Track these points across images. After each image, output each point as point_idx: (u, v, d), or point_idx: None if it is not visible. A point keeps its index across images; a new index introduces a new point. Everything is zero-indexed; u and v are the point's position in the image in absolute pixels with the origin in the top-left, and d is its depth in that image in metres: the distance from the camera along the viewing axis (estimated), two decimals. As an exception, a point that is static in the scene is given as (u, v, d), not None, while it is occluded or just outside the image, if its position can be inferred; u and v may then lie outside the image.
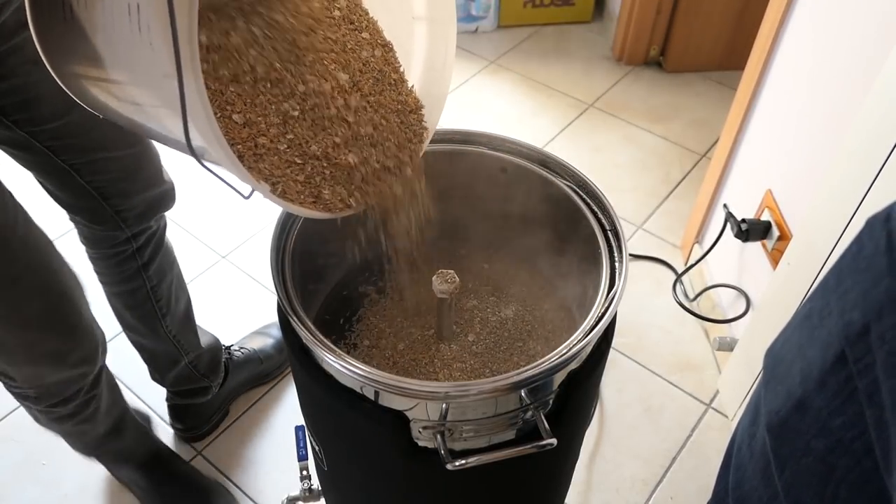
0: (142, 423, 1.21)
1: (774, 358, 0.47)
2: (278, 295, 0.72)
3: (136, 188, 0.98)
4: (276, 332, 1.48)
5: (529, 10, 2.38)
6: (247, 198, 0.64)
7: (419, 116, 0.77)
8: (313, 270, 0.86)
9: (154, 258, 1.09)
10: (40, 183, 0.96)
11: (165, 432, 1.36)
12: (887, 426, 0.35)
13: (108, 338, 1.51)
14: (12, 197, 0.82)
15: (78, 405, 0.99)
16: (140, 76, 0.56)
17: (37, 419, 1.00)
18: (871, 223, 0.39)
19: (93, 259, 1.08)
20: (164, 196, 1.04)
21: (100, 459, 1.17)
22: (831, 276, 0.42)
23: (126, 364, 1.47)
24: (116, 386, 1.11)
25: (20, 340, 0.88)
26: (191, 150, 0.55)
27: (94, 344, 0.97)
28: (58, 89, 0.82)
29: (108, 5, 0.53)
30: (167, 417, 1.36)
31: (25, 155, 0.90)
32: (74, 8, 0.56)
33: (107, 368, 1.07)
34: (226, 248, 1.73)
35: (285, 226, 0.80)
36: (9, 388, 0.96)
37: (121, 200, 0.98)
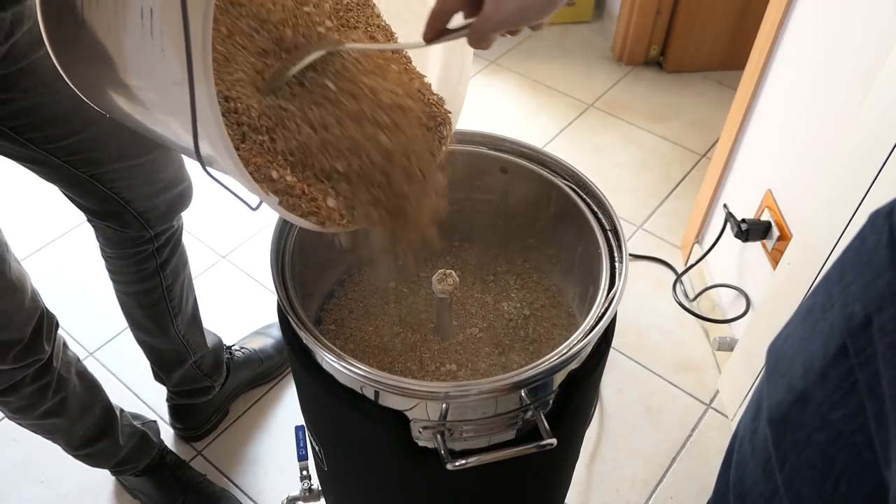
0: (140, 429, 1.20)
1: (777, 352, 0.47)
2: (278, 295, 0.72)
3: (158, 189, 0.99)
4: (276, 332, 1.48)
5: (529, 11, 2.38)
6: (254, 209, 0.63)
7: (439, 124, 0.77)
8: (313, 270, 0.86)
9: (171, 258, 1.10)
10: (63, 193, 0.96)
11: (165, 432, 1.36)
12: (887, 418, 0.35)
13: (107, 339, 1.53)
14: None
15: (32, 394, 0.95)
16: (150, 81, 0.55)
17: (3, 413, 0.98)
18: (874, 217, 0.39)
19: (110, 258, 1.08)
20: (184, 193, 1.04)
21: (97, 464, 1.17)
22: (834, 271, 0.42)
23: (126, 365, 1.48)
24: (96, 384, 1.09)
25: None
26: (199, 159, 0.54)
27: (39, 334, 0.92)
28: (73, 108, 0.81)
29: (121, 8, 0.52)
30: (167, 417, 1.36)
31: (44, 169, 0.90)
32: (85, 8, 0.55)
33: (80, 364, 1.05)
34: (226, 248, 1.73)
35: (285, 226, 0.80)
36: None
37: (144, 203, 0.98)
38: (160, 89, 0.54)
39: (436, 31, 0.62)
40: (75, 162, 0.88)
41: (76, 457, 1.12)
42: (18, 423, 1.01)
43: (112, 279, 1.11)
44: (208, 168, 0.56)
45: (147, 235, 1.03)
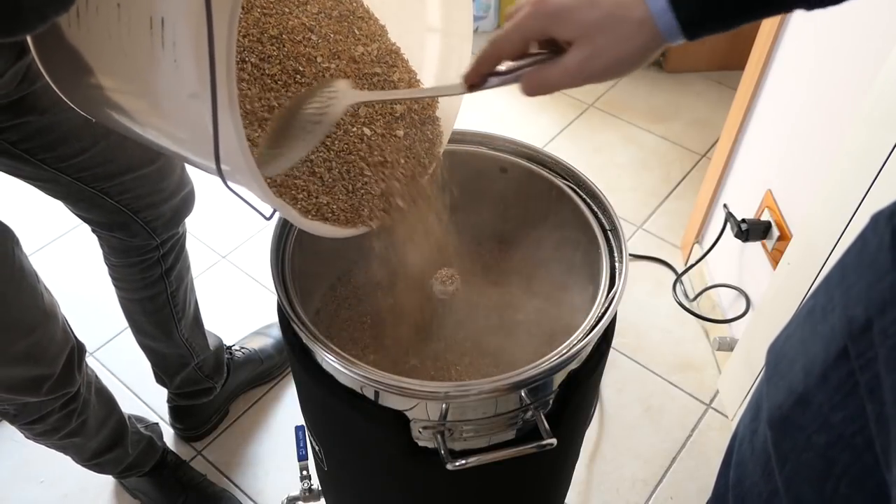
0: (146, 434, 1.20)
1: (777, 353, 0.47)
2: (278, 295, 0.72)
3: (164, 197, 0.99)
4: (276, 333, 1.48)
5: (529, 11, 2.38)
6: (268, 218, 0.63)
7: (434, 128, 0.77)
8: (313, 270, 0.86)
9: (176, 264, 1.10)
10: (69, 209, 0.96)
11: (165, 432, 1.36)
12: (888, 421, 0.35)
13: (107, 339, 1.53)
14: (13, 243, 0.81)
15: (58, 420, 0.97)
16: (159, 94, 0.53)
17: (24, 434, 0.99)
18: (876, 219, 0.39)
19: (114, 266, 1.07)
20: (188, 198, 1.04)
21: (103, 471, 1.17)
22: (835, 272, 0.42)
23: (126, 365, 1.48)
24: (111, 399, 1.09)
25: (1, 374, 0.86)
26: (220, 173, 0.52)
27: (71, 366, 0.94)
28: (83, 125, 0.81)
29: (125, 15, 0.49)
30: (167, 417, 1.36)
31: (53, 187, 0.90)
32: (81, 13, 0.53)
33: (98, 381, 1.06)
34: (226, 248, 1.73)
35: (285, 226, 0.79)
36: None
37: (150, 212, 0.98)
38: (172, 101, 0.52)
39: (481, 77, 0.53)
40: (85, 178, 0.89)
41: (85, 466, 1.12)
42: (31, 440, 1.01)
43: (116, 286, 1.11)
44: (227, 181, 0.55)
45: (153, 244, 1.03)
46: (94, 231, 1.03)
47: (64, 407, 0.96)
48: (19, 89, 0.75)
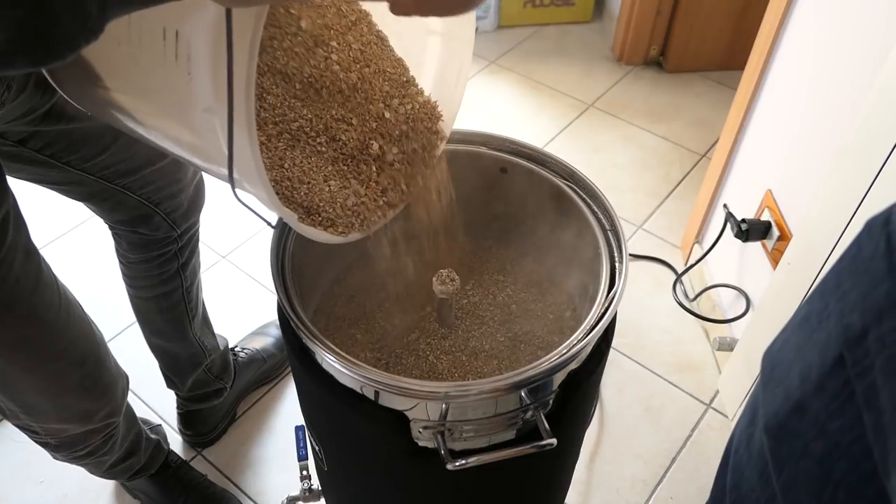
0: (154, 438, 1.20)
1: (772, 359, 0.47)
2: (278, 295, 0.72)
3: (181, 187, 1.00)
4: (275, 331, 1.48)
5: (529, 10, 2.38)
6: (273, 227, 0.63)
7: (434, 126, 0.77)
8: (313, 269, 0.86)
9: (191, 258, 1.11)
10: (93, 210, 0.97)
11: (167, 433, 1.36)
12: (885, 430, 0.35)
13: (107, 338, 1.52)
14: (52, 272, 0.83)
15: (96, 446, 1.00)
16: (169, 103, 0.52)
17: (54, 456, 1.02)
18: (871, 226, 0.39)
19: (132, 264, 1.07)
20: (200, 187, 1.05)
21: (114, 478, 1.17)
22: (830, 278, 0.42)
23: (126, 366, 1.47)
24: (133, 414, 1.10)
25: (54, 405, 0.89)
26: (231, 184, 0.52)
27: (121, 397, 0.98)
28: (103, 123, 0.82)
29: (136, 21, 0.48)
30: (167, 417, 1.36)
31: (78, 189, 0.90)
32: None
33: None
34: (226, 248, 1.73)
35: (285, 226, 0.79)
36: (30, 436, 0.96)
37: (170, 202, 0.99)
38: (182, 111, 0.52)
39: None
40: (108, 175, 0.89)
41: (98, 476, 1.13)
42: (59, 461, 1.03)
43: (131, 285, 1.11)
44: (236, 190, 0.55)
45: (173, 235, 1.04)
46: (114, 230, 1.03)
47: (105, 435, 0.99)
48: (44, 100, 0.75)
